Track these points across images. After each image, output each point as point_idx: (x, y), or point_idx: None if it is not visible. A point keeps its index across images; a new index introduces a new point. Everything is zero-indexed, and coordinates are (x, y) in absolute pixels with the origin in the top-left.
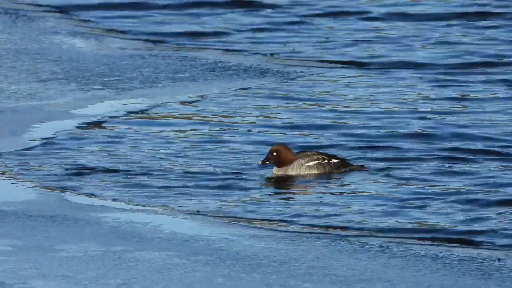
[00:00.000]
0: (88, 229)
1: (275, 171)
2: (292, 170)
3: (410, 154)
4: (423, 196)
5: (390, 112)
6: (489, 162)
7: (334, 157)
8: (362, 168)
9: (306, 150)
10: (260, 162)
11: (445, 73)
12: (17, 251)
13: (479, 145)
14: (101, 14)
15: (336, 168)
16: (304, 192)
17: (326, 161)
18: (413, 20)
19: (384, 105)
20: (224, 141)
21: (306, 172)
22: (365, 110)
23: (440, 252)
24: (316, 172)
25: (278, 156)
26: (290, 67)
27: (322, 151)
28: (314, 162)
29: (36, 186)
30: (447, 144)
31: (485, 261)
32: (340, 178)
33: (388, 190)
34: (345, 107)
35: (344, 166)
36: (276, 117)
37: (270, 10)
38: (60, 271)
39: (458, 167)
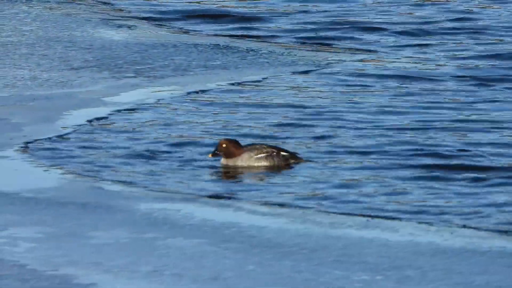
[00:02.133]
0: (120, 217)
1: (223, 161)
2: (241, 162)
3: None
4: (450, 183)
5: None
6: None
7: (283, 150)
8: (309, 161)
9: (254, 144)
10: (210, 155)
11: None
12: (48, 238)
13: None
14: (133, 2)
15: (285, 160)
16: (333, 178)
17: (275, 153)
18: None
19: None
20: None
21: (255, 164)
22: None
23: (470, 239)
24: (265, 164)
25: (227, 148)
26: (322, 54)
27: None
28: (263, 155)
29: (68, 174)
30: None
31: None
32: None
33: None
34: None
35: (293, 159)
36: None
37: None
38: (91, 258)
39: None
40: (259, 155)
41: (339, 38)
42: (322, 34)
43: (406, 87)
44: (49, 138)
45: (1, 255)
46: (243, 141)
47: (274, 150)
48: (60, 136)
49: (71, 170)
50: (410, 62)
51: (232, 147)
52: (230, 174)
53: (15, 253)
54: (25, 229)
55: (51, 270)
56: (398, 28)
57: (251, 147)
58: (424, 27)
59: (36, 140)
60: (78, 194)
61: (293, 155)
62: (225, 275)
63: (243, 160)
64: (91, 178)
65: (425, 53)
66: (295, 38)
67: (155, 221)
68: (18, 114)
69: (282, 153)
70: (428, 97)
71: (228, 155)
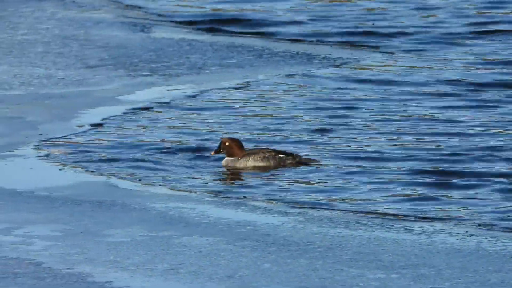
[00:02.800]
0: (136, 215)
1: (224, 162)
2: (239, 164)
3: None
4: (465, 182)
5: None
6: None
7: (283, 152)
8: (312, 162)
9: (257, 148)
10: (212, 153)
11: None
12: (64, 236)
13: None
14: (149, 1)
15: (283, 162)
16: (349, 179)
17: (272, 156)
18: None
19: None
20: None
21: (252, 165)
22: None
23: (486, 238)
24: (262, 164)
25: (229, 146)
26: (336, 53)
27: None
28: (259, 158)
29: (84, 172)
30: None
31: None
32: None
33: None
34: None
35: (294, 161)
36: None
37: None
38: (107, 256)
39: None
40: (257, 159)
41: (357, 38)
42: (339, 34)
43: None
44: (65, 136)
45: (17, 253)
46: (258, 141)
47: (272, 153)
48: (76, 134)
49: (87, 169)
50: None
51: (234, 146)
52: (244, 173)
53: (31, 251)
54: (41, 227)
55: (67, 268)
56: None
57: (251, 151)
58: None
59: (51, 138)
60: (94, 192)
61: (294, 156)
62: (241, 273)
63: (241, 163)
64: (106, 176)
65: None
66: (312, 37)
67: (171, 219)
68: (33, 112)
69: (280, 155)
70: None
71: (230, 154)
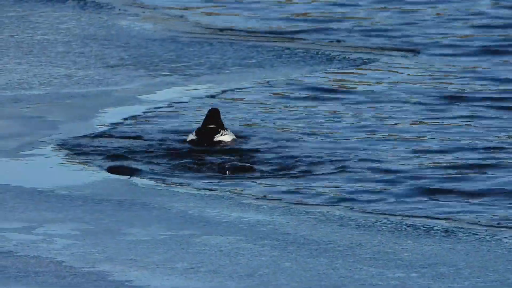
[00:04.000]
0: (156, 213)
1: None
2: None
3: None
4: (482, 184)
5: None
6: None
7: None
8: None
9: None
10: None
11: None
12: (85, 235)
13: None
14: (170, 1)
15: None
16: (363, 177)
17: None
18: None
19: None
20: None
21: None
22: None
23: (505, 238)
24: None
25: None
26: (357, 53)
27: None
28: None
29: (104, 171)
30: None
31: None
32: None
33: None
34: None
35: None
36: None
37: None
38: (127, 255)
39: None
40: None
41: (375, 39)
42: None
43: None
44: (85, 136)
45: (37, 252)
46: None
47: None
48: (96, 134)
49: (106, 168)
50: None
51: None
52: (265, 174)
53: (52, 250)
54: (62, 226)
55: (87, 266)
56: None
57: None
58: None
59: (72, 137)
60: (114, 191)
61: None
62: (261, 272)
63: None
64: (127, 175)
65: None
66: (331, 37)
67: (191, 218)
68: (54, 112)
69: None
70: None
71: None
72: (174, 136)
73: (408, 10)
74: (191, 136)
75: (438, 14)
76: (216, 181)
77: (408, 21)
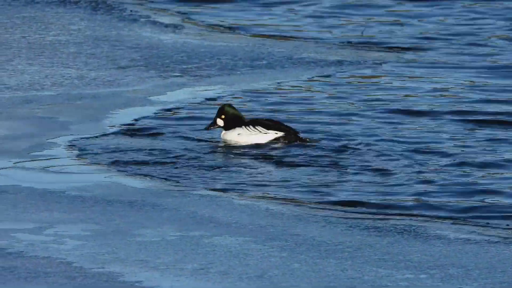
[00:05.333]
0: (166, 214)
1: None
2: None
3: None
4: (492, 181)
5: None
6: None
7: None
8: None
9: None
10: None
11: None
12: (95, 236)
13: None
14: (180, 2)
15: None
16: (377, 179)
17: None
18: None
19: None
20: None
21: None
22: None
23: None
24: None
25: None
26: (367, 55)
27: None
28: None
29: (115, 172)
30: None
31: None
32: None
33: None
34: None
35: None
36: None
37: None
38: (137, 256)
39: None
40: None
41: (385, 39)
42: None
43: None
44: (96, 137)
45: (48, 253)
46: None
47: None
48: (107, 135)
49: (117, 168)
50: None
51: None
52: (275, 174)
53: (62, 251)
54: (72, 226)
55: (97, 267)
56: None
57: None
58: None
59: (83, 138)
60: (125, 192)
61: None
62: (271, 273)
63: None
64: (137, 176)
65: None
66: (340, 38)
67: (201, 219)
68: (65, 112)
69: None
70: None
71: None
72: (185, 136)
73: None
74: (273, 135)
75: None
76: (227, 182)
77: None
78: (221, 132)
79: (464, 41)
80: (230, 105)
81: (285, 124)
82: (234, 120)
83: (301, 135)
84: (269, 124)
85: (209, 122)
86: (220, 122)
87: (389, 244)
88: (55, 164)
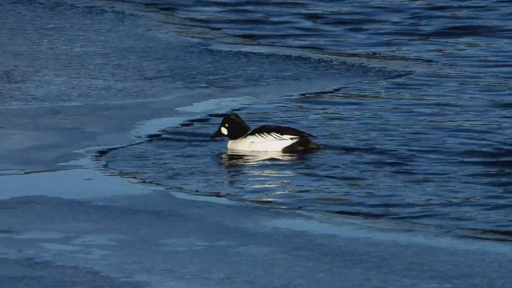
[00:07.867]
0: (192, 224)
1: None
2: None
3: None
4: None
5: None
6: None
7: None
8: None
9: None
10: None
11: None
12: (122, 245)
13: None
14: (207, 13)
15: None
16: (402, 186)
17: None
18: None
19: None
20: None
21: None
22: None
23: None
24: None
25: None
26: (392, 65)
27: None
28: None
29: (142, 182)
30: None
31: None
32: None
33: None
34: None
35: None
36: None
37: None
38: (164, 265)
39: None
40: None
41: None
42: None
43: None
44: (123, 147)
45: (75, 263)
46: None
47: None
48: (133, 145)
49: (144, 179)
50: None
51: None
52: (300, 184)
53: (89, 260)
54: (99, 236)
55: (124, 277)
56: None
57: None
58: None
59: (109, 149)
60: (151, 202)
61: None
62: (296, 283)
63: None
64: (164, 186)
65: None
66: (366, 49)
67: (227, 229)
68: (92, 123)
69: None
70: None
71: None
72: (212, 147)
73: None
74: (289, 140)
75: None
76: (252, 192)
77: None
78: (228, 141)
79: None
80: (235, 114)
81: (297, 129)
82: (238, 129)
83: (315, 140)
84: (284, 129)
85: (215, 131)
86: (224, 131)
87: (413, 254)
88: (82, 174)
